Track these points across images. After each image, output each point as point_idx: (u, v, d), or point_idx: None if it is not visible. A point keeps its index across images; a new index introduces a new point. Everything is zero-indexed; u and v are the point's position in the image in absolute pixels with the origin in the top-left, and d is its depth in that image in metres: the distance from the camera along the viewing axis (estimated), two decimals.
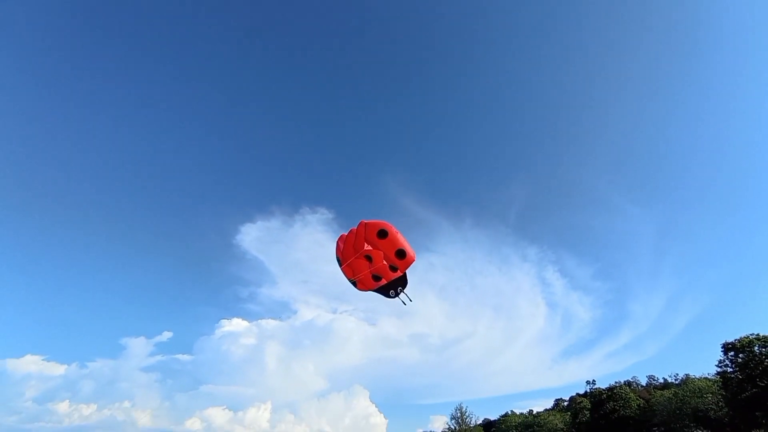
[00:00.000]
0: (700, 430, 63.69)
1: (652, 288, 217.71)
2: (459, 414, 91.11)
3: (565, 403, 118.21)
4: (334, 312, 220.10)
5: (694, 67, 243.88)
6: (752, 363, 54.53)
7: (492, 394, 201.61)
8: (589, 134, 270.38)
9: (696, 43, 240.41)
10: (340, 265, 14.51)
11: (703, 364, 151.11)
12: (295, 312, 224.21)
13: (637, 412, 73.64)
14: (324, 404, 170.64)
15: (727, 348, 59.05)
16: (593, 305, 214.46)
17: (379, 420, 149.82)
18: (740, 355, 56.69)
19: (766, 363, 53.27)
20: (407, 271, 14.40)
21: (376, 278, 14.38)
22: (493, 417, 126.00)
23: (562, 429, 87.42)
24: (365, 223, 13.49)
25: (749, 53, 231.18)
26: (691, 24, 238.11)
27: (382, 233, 13.26)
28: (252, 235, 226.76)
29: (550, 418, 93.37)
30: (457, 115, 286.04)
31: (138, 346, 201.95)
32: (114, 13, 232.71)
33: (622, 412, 73.91)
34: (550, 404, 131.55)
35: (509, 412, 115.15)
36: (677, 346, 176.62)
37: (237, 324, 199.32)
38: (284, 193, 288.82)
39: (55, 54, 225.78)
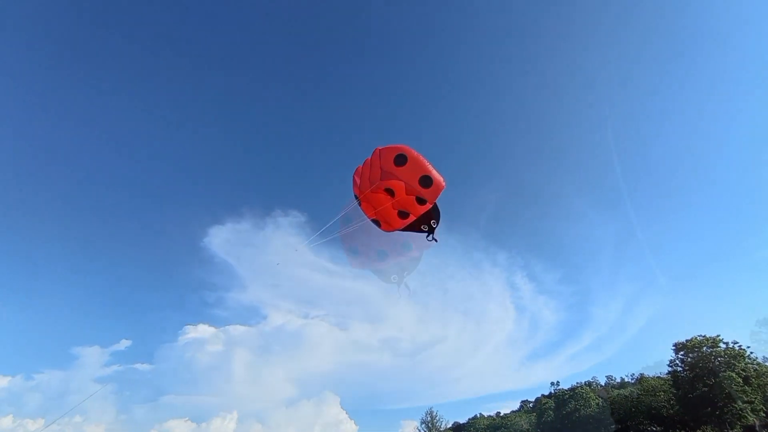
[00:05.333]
0: (654, 427, 67.43)
1: (611, 291, 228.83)
2: (429, 418, 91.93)
3: (531, 404, 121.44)
4: (305, 317, 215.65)
5: (657, 75, 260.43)
6: (701, 363, 58.40)
7: (461, 397, 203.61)
8: (554, 141, 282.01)
9: (660, 51, 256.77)
10: (359, 203, 12.51)
11: (657, 363, 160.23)
12: (265, 317, 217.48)
13: (597, 410, 77.07)
14: (293, 412, 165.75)
15: (678, 348, 62.96)
16: (558, 309, 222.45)
17: (350, 427, 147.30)
18: (690, 355, 60.59)
19: (715, 363, 57.20)
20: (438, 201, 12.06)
21: (403, 215, 12.20)
22: (463, 420, 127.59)
23: (528, 429, 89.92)
24: (380, 150, 11.52)
25: (710, 63, 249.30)
26: (659, 36, 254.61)
27: (400, 159, 11.16)
28: (221, 238, 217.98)
29: (517, 419, 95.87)
30: (432, 121, 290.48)
31: (91, 356, 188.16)
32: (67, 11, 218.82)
33: (583, 411, 77.07)
34: (516, 406, 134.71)
35: (478, 415, 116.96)
36: (633, 346, 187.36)
37: (203, 330, 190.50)
38: (256, 195, 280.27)
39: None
